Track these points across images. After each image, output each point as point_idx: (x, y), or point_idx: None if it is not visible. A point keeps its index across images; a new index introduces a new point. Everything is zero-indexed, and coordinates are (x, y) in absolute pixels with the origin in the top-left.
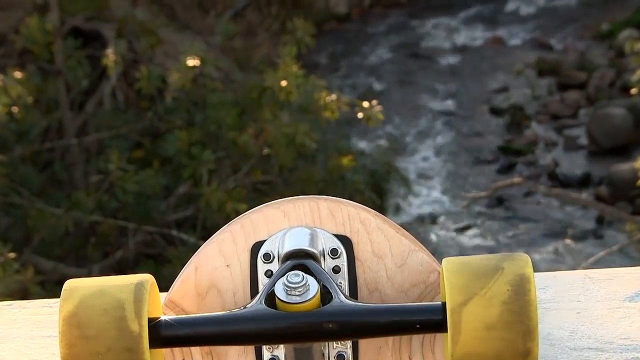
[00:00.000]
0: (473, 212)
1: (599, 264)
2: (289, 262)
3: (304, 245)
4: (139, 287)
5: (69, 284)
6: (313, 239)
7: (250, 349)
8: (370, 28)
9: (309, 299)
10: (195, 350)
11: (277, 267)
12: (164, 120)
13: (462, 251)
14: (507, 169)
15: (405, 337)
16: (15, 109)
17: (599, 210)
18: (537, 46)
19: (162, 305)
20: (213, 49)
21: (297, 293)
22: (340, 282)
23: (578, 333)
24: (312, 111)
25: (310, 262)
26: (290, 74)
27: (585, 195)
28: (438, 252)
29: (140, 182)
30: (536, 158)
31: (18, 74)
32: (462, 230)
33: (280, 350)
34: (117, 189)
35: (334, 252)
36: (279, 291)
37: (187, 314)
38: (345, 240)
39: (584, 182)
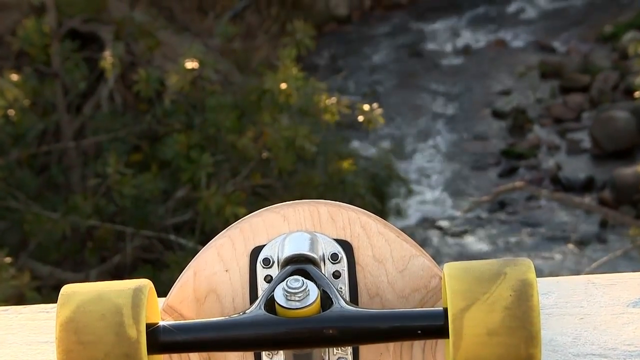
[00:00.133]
0: (475, 217)
1: (602, 269)
2: (288, 267)
3: (304, 250)
4: (137, 292)
5: (66, 289)
6: (313, 244)
7: (249, 355)
8: (370, 30)
9: (308, 305)
10: (194, 356)
11: (277, 272)
12: (162, 123)
13: (464, 256)
14: (509, 173)
15: (406, 343)
16: (11, 112)
17: (602, 215)
18: (539, 49)
19: (160, 311)
20: (212, 51)
21: (297, 298)
22: (341, 288)
23: (581, 339)
24: (312, 114)
25: (310, 267)
26: (290, 76)
27: (588, 199)
28: (439, 257)
29: (138, 185)
30: (539, 162)
31: (14, 77)
32: (463, 234)
33: (280, 356)
34: (115, 192)
35: (334, 257)
36: (279, 296)
37: (185, 319)
38: (345, 245)
39: (587, 186)
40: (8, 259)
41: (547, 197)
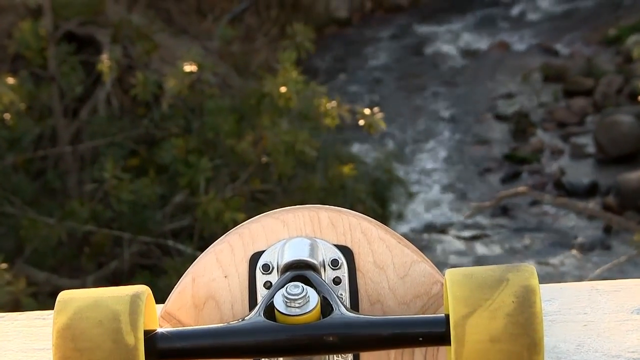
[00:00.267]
0: (477, 222)
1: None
2: (288, 273)
3: (304, 256)
4: (135, 299)
5: (62, 295)
6: (313, 250)
7: None
8: (371, 33)
9: (309, 311)
10: None
11: (277, 278)
12: (160, 128)
13: (466, 262)
14: (512, 178)
15: (407, 350)
16: (7, 116)
17: (606, 220)
18: (542, 51)
19: (158, 318)
20: (211, 54)
21: (297, 305)
22: (341, 294)
23: (585, 346)
24: (312, 118)
25: (310, 273)
26: (290, 79)
27: (592, 204)
28: (441, 263)
29: (136, 191)
30: (542, 166)
31: (10, 80)
32: (465, 240)
33: None
34: (112, 198)
35: (334, 263)
36: (278, 303)
37: (184, 326)
38: (346, 251)
39: (591, 191)
40: (4, 265)
41: (551, 202)
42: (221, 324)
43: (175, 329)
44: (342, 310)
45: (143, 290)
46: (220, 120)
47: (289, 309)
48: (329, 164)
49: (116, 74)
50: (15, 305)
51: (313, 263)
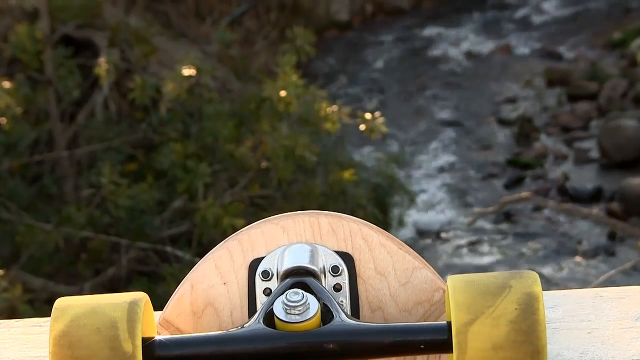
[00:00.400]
0: (480, 228)
1: (610, 282)
2: (288, 279)
3: (304, 262)
4: (133, 306)
5: (59, 302)
6: (313, 256)
7: None
8: (372, 36)
9: (309, 318)
10: None
11: (276, 285)
12: (158, 132)
13: (468, 268)
14: (515, 183)
15: (409, 358)
16: (3, 120)
17: (611, 226)
18: (546, 55)
19: (156, 325)
20: (209, 58)
21: (297, 312)
22: (342, 301)
23: (588, 354)
24: (312, 122)
25: (310, 280)
26: (290, 83)
27: (596, 210)
28: (443, 270)
29: (134, 196)
30: (545, 172)
31: (6, 84)
32: (468, 246)
33: None
34: (109, 203)
35: (335, 270)
36: (278, 310)
37: (182, 333)
38: (346, 257)
39: (595, 196)
40: (0, 271)
41: (554, 208)
42: (220, 332)
43: (173, 336)
44: (342, 318)
45: (141, 297)
46: (219, 124)
47: (288, 316)
48: (329, 169)
49: (114, 77)
50: (11, 313)
51: (313, 269)
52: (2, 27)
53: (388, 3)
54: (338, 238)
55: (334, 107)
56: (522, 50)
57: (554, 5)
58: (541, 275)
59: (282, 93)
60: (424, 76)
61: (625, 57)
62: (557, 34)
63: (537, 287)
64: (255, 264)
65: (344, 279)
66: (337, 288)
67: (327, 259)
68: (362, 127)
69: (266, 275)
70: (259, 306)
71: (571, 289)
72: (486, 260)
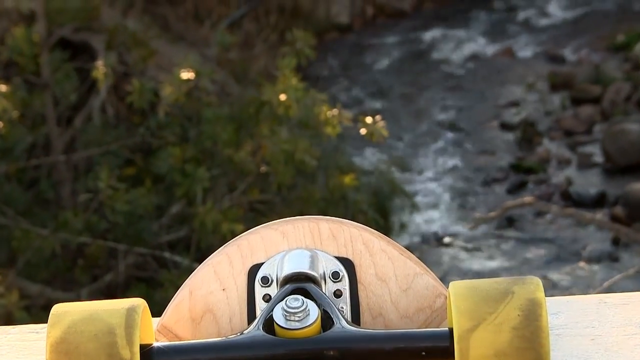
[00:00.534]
0: (482, 233)
1: (614, 288)
2: (288, 285)
3: (304, 268)
4: (131, 312)
5: (56, 308)
6: (313, 262)
7: None
8: (373, 39)
9: (309, 325)
10: None
11: (276, 291)
12: (156, 136)
13: (470, 274)
14: (518, 188)
15: None
16: None
17: (615, 232)
18: (549, 58)
19: (154, 331)
20: (208, 61)
21: (297, 318)
22: (342, 307)
23: None
24: (312, 126)
25: (310, 286)
26: (290, 87)
27: (600, 215)
28: (445, 276)
29: (131, 201)
30: (548, 176)
31: (3, 87)
32: (470, 252)
33: None
34: (107, 208)
35: (335, 275)
36: (278, 316)
37: (180, 340)
38: (347, 263)
39: (599, 201)
40: None
41: (557, 213)
42: (219, 338)
43: (171, 343)
44: (343, 324)
45: (139, 303)
46: (218, 128)
47: (288, 322)
48: (329, 173)
49: (111, 81)
50: (7, 319)
51: (313, 275)
52: None
53: (389, 5)
54: (338, 243)
55: (335, 111)
56: (525, 53)
57: (556, 8)
58: (544, 281)
59: (282, 96)
60: (426, 79)
61: (629, 60)
62: (560, 37)
63: (540, 293)
64: (254, 269)
65: (344, 285)
66: (338, 294)
67: (328, 264)
68: (363, 131)
69: (266, 281)
70: (258, 312)
71: (574, 295)
72: (488, 265)
